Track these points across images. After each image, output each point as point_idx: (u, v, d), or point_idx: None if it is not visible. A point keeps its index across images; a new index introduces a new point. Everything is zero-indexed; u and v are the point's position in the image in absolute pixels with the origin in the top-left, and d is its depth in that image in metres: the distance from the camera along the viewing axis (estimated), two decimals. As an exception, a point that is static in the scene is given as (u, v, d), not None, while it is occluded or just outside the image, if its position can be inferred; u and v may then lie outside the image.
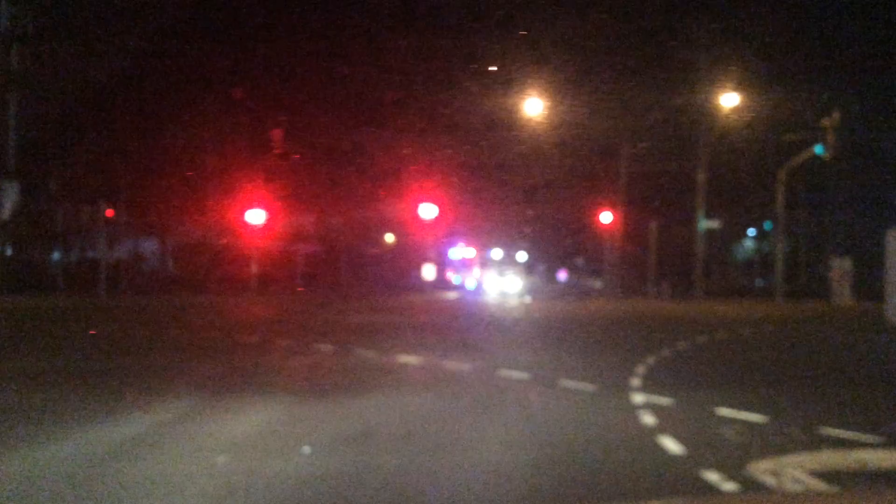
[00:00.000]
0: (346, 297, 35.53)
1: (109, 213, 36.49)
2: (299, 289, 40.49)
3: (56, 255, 41.56)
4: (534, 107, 32.00)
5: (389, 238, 51.60)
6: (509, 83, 31.21)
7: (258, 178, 37.82)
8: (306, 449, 7.51)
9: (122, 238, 41.03)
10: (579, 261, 59.82)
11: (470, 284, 47.56)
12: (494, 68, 31.47)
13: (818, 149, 30.11)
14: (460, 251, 46.97)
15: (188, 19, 36.64)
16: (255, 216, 37.77)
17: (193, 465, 7.00)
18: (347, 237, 45.95)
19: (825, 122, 29.16)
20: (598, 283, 46.54)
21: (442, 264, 48.33)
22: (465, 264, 50.09)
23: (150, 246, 44.50)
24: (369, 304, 31.28)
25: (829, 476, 6.48)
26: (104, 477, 6.63)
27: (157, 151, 38.71)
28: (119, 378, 11.85)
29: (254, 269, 38.44)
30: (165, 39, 36.16)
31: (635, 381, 11.36)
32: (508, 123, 33.52)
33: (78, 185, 38.53)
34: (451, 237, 46.83)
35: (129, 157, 38.01)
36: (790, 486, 6.22)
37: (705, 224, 38.59)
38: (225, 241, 40.90)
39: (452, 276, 49.51)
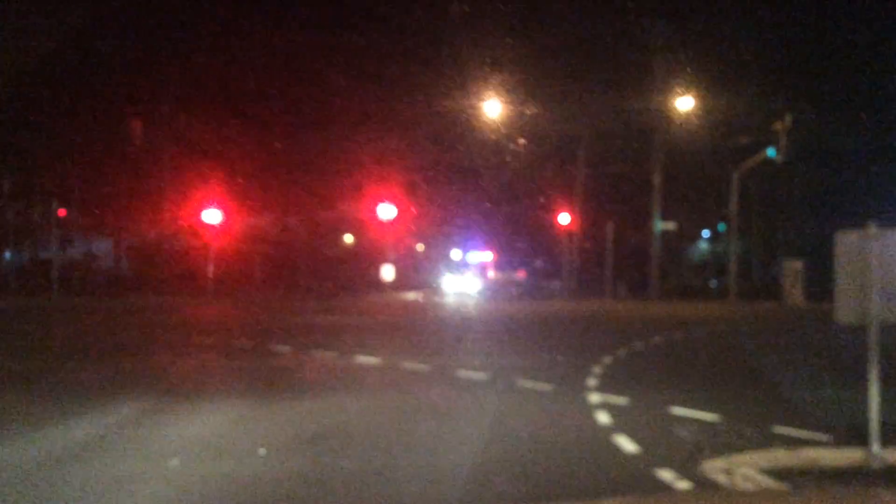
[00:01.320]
0: (305, 298, 35.30)
1: (62, 212, 35.81)
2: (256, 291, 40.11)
3: (8, 255, 40.66)
4: (493, 109, 32.09)
5: (348, 238, 51.38)
6: (468, 85, 31.28)
7: (215, 178, 37.36)
8: (261, 451, 7.45)
9: (76, 238, 40.29)
10: (538, 262, 60.11)
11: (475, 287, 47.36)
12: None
13: (770, 152, 30.66)
14: (477, 255, 46.80)
15: (142, 18, 36.10)
16: (212, 216, 37.33)
17: (146, 467, 6.90)
18: (306, 238, 45.63)
19: (777, 125, 29.69)
20: (556, 284, 46.80)
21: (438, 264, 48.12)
22: (481, 267, 50.11)
23: (103, 246, 43.75)
24: (328, 305, 31.11)
25: (780, 474, 6.60)
26: (56, 480, 6.51)
27: (111, 150, 38.07)
28: (71, 380, 11.63)
29: (210, 269, 37.96)
30: (117, 38, 35.59)
31: (592, 381, 11.45)
32: (468, 125, 33.59)
33: (30, 184, 37.75)
34: (466, 240, 46.55)
35: (82, 156, 37.34)
36: (742, 485, 6.33)
37: (661, 226, 39.03)
38: (181, 241, 40.36)
39: (467, 278, 49.39)
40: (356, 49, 35.67)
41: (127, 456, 7.28)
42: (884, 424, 6.84)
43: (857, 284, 6.74)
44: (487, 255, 57.38)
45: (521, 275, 63.49)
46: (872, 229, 6.74)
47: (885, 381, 6.97)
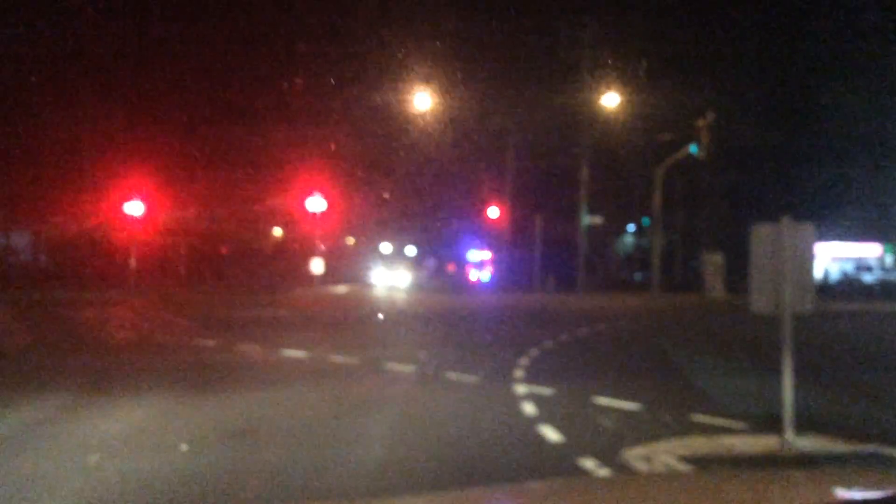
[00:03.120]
0: (231, 292, 34.75)
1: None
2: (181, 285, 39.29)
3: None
4: (422, 102, 32.06)
5: (277, 232, 50.76)
6: (398, 79, 31.19)
7: (138, 169, 36.39)
8: (183, 446, 7.31)
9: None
10: (469, 255, 60.44)
11: (483, 278, 47.12)
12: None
13: (693, 148, 31.37)
14: (478, 253, 46.56)
15: (59, 1, 34.93)
16: (134, 208, 36.41)
17: (65, 464, 6.72)
18: (233, 230, 44.90)
19: (699, 122, 30.40)
20: (486, 277, 47.12)
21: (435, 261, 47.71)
22: (481, 265, 49.94)
23: (22, 240, 42.29)
24: (255, 299, 30.70)
25: (697, 461, 6.78)
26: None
27: (29, 140, 36.74)
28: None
29: (132, 263, 37.03)
30: (34, 24, 34.34)
31: (518, 373, 11.58)
32: (398, 118, 33.50)
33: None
34: (467, 238, 46.16)
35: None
36: (660, 471, 6.48)
37: (588, 220, 39.63)
38: (102, 234, 39.24)
39: (472, 274, 49.20)
40: (286, 40, 35.24)
41: (45, 453, 7.07)
42: (798, 412, 7.09)
43: (772, 276, 6.96)
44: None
45: (450, 268, 63.75)
46: (786, 223, 6.97)
47: (799, 370, 7.22)
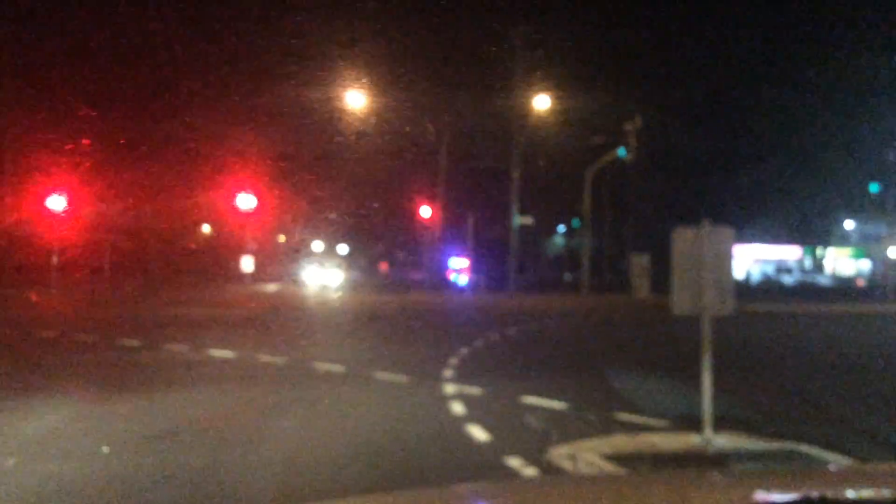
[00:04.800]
0: (157, 290, 34.02)
1: None
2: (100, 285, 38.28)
3: None
4: (355, 100, 31.91)
5: (206, 229, 49.89)
6: (330, 76, 30.96)
7: (60, 163, 35.29)
8: (104, 449, 7.15)
9: None
10: (400, 254, 60.42)
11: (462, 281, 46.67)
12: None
13: (621, 151, 32.01)
14: (458, 260, 46.13)
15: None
16: (56, 203, 35.33)
17: (-22, 469, 6.50)
18: (159, 227, 43.92)
19: (627, 126, 31.03)
20: (418, 276, 47.20)
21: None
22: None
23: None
24: (182, 298, 30.13)
25: (620, 458, 6.93)
26: None
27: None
28: None
29: (55, 259, 35.93)
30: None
31: (448, 372, 11.65)
32: (330, 116, 33.22)
33: None
34: (447, 246, 45.58)
35: None
36: (585, 470, 6.61)
37: (519, 220, 40.00)
38: (22, 230, 37.93)
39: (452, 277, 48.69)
40: (217, 33, 34.59)
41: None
42: (717, 411, 7.32)
43: (692, 278, 7.16)
44: (350, 248, 57.15)
45: (383, 267, 63.60)
46: (706, 226, 7.17)
47: (720, 369, 7.45)
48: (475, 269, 43.93)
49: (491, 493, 2.52)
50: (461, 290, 42.74)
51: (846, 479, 2.67)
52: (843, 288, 48.99)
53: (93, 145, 36.36)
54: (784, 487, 2.47)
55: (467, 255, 42.92)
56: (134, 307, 25.19)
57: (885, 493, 2.26)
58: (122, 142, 37.59)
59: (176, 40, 35.31)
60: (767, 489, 2.47)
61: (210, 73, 35.82)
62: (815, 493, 2.25)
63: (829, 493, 2.26)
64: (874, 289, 43.40)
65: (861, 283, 54.43)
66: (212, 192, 41.41)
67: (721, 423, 7.52)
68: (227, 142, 37.69)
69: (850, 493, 2.33)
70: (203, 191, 41.91)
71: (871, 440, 8.08)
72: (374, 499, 2.56)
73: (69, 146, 35.35)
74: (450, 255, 45.20)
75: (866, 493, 2.35)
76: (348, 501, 2.76)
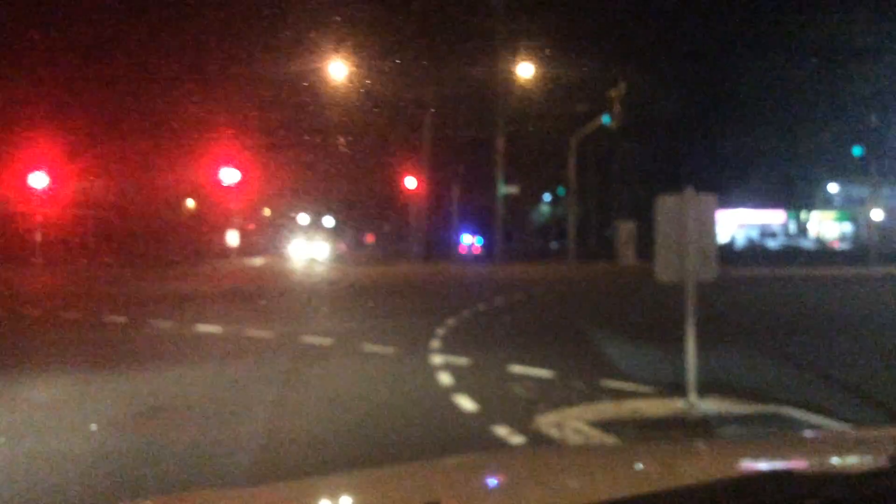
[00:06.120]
0: (142, 266, 33.89)
1: None
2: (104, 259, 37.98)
3: None
4: (338, 70, 31.65)
5: (190, 204, 49.60)
6: (312, 46, 30.67)
7: (42, 140, 34.92)
8: (93, 426, 7.15)
9: None
10: (386, 226, 60.33)
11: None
12: None
13: (605, 118, 31.90)
14: (470, 237, 46.03)
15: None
16: (38, 180, 35.04)
17: (-35, 448, 6.50)
18: (143, 202, 43.63)
19: (611, 92, 30.89)
20: (404, 247, 47.20)
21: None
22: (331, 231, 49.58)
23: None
24: (168, 272, 30.04)
25: (606, 425, 6.99)
26: None
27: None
28: None
29: (38, 237, 35.69)
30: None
31: (435, 343, 11.69)
32: (313, 87, 32.98)
33: None
34: (459, 224, 45.36)
35: None
36: (571, 437, 6.67)
37: (504, 189, 39.98)
38: (5, 207, 37.61)
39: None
40: (196, 5, 34.14)
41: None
42: (702, 376, 7.39)
43: (676, 245, 7.18)
44: (335, 220, 57.00)
45: (369, 239, 63.52)
46: (689, 193, 7.19)
47: (704, 334, 7.51)
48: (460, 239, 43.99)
49: (477, 464, 2.54)
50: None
51: (830, 445, 2.69)
52: (826, 251, 49.36)
53: (74, 122, 36.06)
54: (770, 456, 2.48)
55: (478, 233, 42.91)
56: (119, 283, 25.09)
57: (868, 460, 2.26)
58: (103, 118, 37.30)
59: (157, 14, 34.86)
60: (754, 458, 2.48)
61: (192, 47, 35.47)
62: (802, 464, 2.27)
63: (814, 462, 2.29)
64: (856, 251, 43.75)
65: (837, 244, 54.85)
66: (195, 166, 41.15)
67: (706, 388, 7.60)
68: (209, 116, 37.42)
69: (836, 461, 2.35)
70: (186, 165, 41.65)
71: (860, 402, 8.18)
72: (366, 474, 2.58)
73: (50, 123, 35.05)
74: (459, 232, 45.25)
75: (851, 460, 2.37)
76: (337, 476, 2.76)
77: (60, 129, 35.58)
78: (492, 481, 2.27)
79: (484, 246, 43.64)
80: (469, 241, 44.56)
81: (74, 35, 34.89)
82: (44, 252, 35.47)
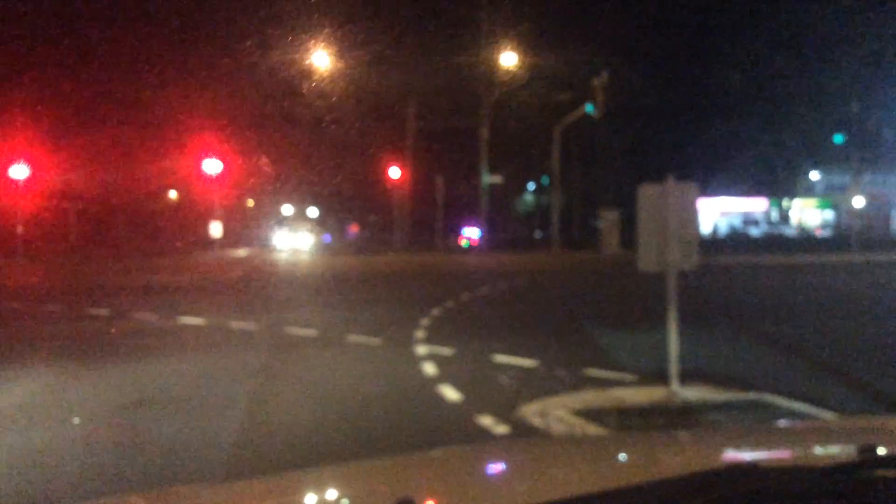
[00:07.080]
0: (124, 258, 33.70)
1: None
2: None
3: None
4: (321, 60, 31.52)
5: (173, 194, 49.31)
6: (296, 37, 30.51)
7: (22, 130, 34.58)
8: (75, 419, 7.12)
9: None
10: (370, 216, 60.20)
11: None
12: None
13: (588, 107, 31.94)
14: (470, 230, 45.85)
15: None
16: (18, 171, 34.72)
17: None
18: (125, 193, 43.34)
19: (594, 81, 30.93)
20: (388, 238, 47.15)
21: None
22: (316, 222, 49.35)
23: None
24: (150, 264, 29.88)
25: (589, 414, 7.03)
26: None
27: None
28: None
29: (19, 229, 35.37)
30: None
31: (420, 334, 11.70)
32: (296, 78, 32.83)
33: None
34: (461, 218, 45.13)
35: None
36: (555, 426, 6.70)
37: (488, 179, 40.01)
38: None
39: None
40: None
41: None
42: (684, 364, 7.44)
43: (657, 235, 7.21)
44: (319, 211, 56.80)
45: (354, 229, 63.38)
46: (670, 183, 7.21)
47: (687, 323, 7.55)
48: (448, 228, 43.92)
49: (460, 458, 2.54)
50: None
51: (806, 436, 2.71)
52: (808, 239, 49.71)
53: (56, 112, 35.72)
54: (745, 447, 2.49)
55: (479, 225, 42.80)
56: (101, 275, 24.94)
57: (839, 451, 2.28)
58: (85, 109, 36.98)
59: (140, 5, 34.55)
60: (731, 449, 2.49)
61: (174, 38, 35.18)
62: (772, 456, 2.29)
63: (785, 454, 2.31)
64: (837, 238, 44.07)
65: (819, 231, 55.26)
66: (178, 157, 40.91)
67: (689, 376, 7.66)
68: (192, 107, 37.19)
69: (808, 452, 2.37)
70: (169, 156, 41.40)
71: (843, 388, 8.26)
72: (345, 468, 2.58)
73: (31, 114, 34.71)
74: (460, 225, 45.17)
75: (824, 452, 2.39)
76: (316, 471, 2.76)
77: (41, 120, 35.28)
78: (473, 475, 2.26)
79: (469, 236, 43.60)
80: (470, 233, 44.62)
81: (56, 26, 34.60)
82: (25, 244, 35.17)
